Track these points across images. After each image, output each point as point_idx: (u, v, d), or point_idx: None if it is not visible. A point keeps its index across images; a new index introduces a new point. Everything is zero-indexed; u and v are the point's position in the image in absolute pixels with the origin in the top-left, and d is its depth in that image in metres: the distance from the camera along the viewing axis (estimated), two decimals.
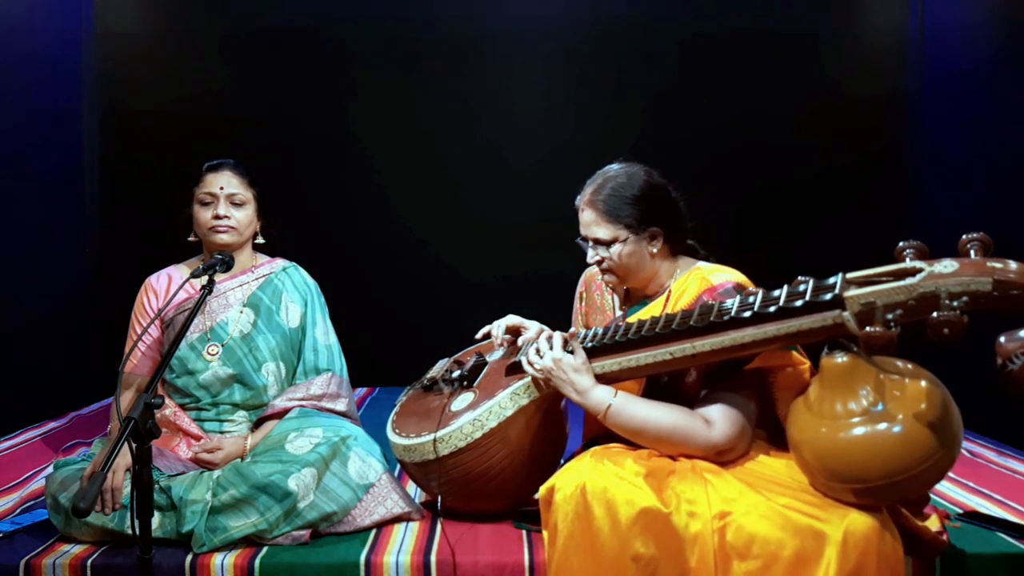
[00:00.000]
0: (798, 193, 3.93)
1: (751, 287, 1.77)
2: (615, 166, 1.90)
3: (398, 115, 4.02)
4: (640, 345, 1.66)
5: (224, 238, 2.14)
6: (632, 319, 1.77)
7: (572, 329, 1.80)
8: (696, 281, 1.81)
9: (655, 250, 1.85)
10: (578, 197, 1.91)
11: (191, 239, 2.20)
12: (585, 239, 1.89)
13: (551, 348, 1.77)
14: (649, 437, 1.68)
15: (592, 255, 1.87)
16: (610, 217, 1.82)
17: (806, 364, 1.69)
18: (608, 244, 1.83)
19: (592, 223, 1.85)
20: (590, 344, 1.76)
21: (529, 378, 1.82)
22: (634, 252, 1.83)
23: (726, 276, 1.80)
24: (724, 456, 1.65)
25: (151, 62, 4.00)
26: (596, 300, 2.06)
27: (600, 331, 1.78)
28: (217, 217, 2.12)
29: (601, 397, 1.70)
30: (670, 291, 1.86)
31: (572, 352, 1.75)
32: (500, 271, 3.94)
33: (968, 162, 3.38)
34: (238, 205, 2.15)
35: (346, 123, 4.01)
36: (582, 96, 4.01)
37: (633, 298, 1.98)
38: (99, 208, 3.90)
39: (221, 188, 2.13)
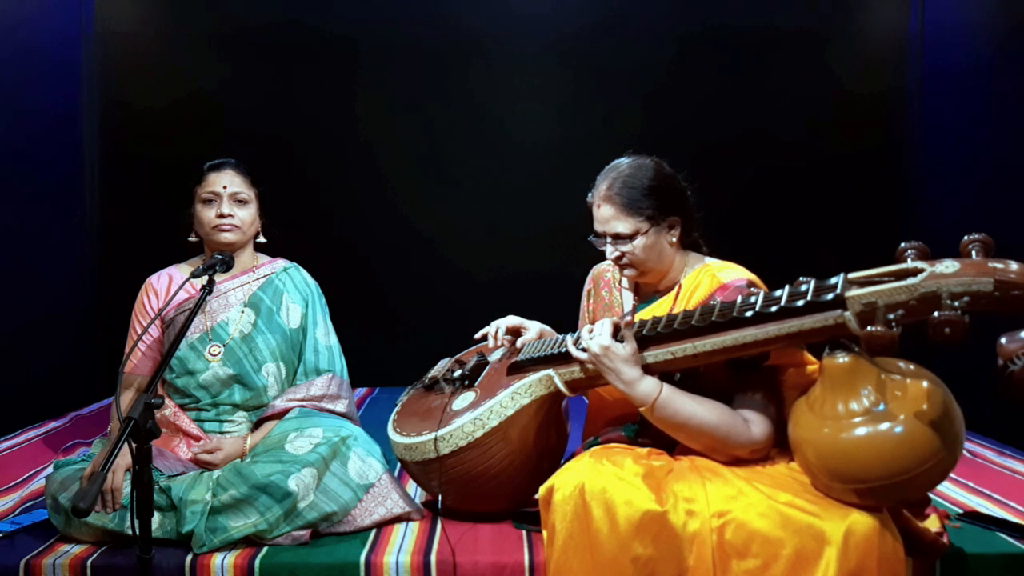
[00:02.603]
0: (798, 193, 3.93)
1: (762, 285, 1.77)
2: (625, 160, 1.90)
3: (399, 114, 4.02)
4: (641, 345, 1.66)
5: (228, 237, 2.14)
6: (639, 316, 1.77)
7: (627, 317, 1.78)
8: (707, 279, 1.81)
9: (674, 239, 1.85)
10: (591, 194, 1.89)
11: (192, 239, 2.20)
12: (601, 235, 1.86)
13: (600, 334, 1.68)
14: (691, 432, 1.65)
15: (611, 251, 1.85)
16: (630, 210, 1.81)
17: (815, 364, 1.69)
18: (629, 238, 1.81)
19: (612, 218, 1.82)
20: None
21: (531, 377, 1.81)
22: (655, 244, 1.83)
23: (737, 274, 1.80)
24: (757, 454, 1.66)
25: (151, 62, 4.00)
26: (604, 297, 2.05)
27: None
28: (221, 216, 2.12)
29: (648, 389, 1.64)
30: (680, 287, 1.86)
31: (622, 341, 1.68)
32: (501, 271, 3.94)
33: (969, 161, 3.38)
34: (241, 203, 2.15)
35: (348, 122, 4.01)
36: (586, 95, 4.01)
37: (644, 292, 1.97)
38: (99, 208, 3.90)
39: (224, 187, 2.13)
